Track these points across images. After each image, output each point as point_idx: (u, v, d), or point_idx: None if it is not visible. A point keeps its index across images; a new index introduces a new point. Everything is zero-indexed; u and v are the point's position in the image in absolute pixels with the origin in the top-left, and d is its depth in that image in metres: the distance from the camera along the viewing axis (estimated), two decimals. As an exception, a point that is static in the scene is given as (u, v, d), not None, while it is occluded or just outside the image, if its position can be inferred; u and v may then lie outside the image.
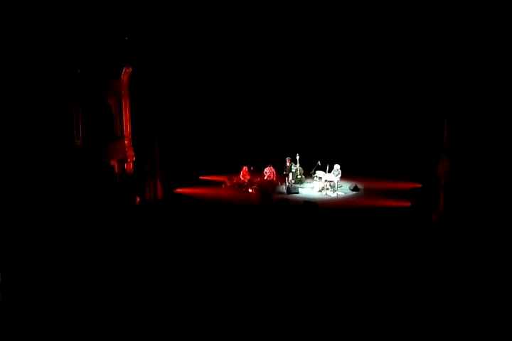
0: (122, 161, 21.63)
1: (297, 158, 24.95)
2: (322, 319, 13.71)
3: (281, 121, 27.34)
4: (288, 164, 24.69)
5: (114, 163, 21.40)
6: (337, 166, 23.99)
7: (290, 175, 24.72)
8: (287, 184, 24.61)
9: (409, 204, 22.08)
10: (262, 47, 25.67)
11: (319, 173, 24.41)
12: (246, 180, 24.65)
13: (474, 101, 18.97)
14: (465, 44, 18.78)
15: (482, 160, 18.85)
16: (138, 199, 22.10)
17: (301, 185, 24.97)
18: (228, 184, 24.98)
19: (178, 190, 24.37)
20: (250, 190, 24.41)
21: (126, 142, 21.71)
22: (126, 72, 21.30)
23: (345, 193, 24.07)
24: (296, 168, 24.94)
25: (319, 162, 24.31)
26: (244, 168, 24.68)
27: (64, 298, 14.62)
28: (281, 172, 24.80)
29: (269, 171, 24.70)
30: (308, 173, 24.97)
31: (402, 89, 25.55)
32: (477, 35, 18.39)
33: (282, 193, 24.09)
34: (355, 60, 25.65)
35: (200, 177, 26.25)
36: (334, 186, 23.94)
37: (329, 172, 24.06)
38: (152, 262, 17.04)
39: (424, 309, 14.01)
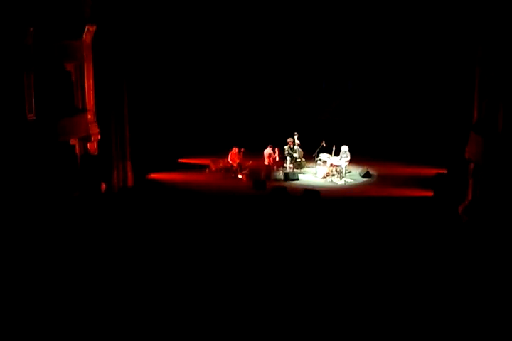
0: (84, 140, 20.63)
1: (295, 137, 23.93)
2: (323, 317, 13.32)
3: (278, 90, 26.29)
4: (291, 146, 23.73)
5: (74, 142, 20.46)
6: (345, 148, 23.10)
7: (288, 158, 23.83)
8: (285, 169, 23.87)
9: (431, 193, 21.31)
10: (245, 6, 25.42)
11: (323, 156, 23.49)
12: (235, 164, 23.71)
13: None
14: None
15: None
16: (104, 186, 21.21)
17: (302, 171, 24.07)
18: (213, 168, 24.14)
19: (152, 176, 23.76)
20: (240, 176, 23.51)
21: (89, 116, 20.69)
22: (88, 31, 20.28)
23: (354, 180, 23.30)
24: (295, 149, 24.12)
25: (324, 142, 23.23)
26: (234, 150, 23.69)
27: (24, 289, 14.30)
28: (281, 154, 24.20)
29: (269, 154, 23.70)
30: (310, 156, 23.91)
31: (425, 57, 25.16)
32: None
33: (279, 180, 23.20)
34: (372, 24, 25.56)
35: (179, 161, 25.64)
36: (341, 172, 23.09)
37: (336, 155, 23.21)
38: (120, 260, 16.26)
39: (442, 311, 13.52)
